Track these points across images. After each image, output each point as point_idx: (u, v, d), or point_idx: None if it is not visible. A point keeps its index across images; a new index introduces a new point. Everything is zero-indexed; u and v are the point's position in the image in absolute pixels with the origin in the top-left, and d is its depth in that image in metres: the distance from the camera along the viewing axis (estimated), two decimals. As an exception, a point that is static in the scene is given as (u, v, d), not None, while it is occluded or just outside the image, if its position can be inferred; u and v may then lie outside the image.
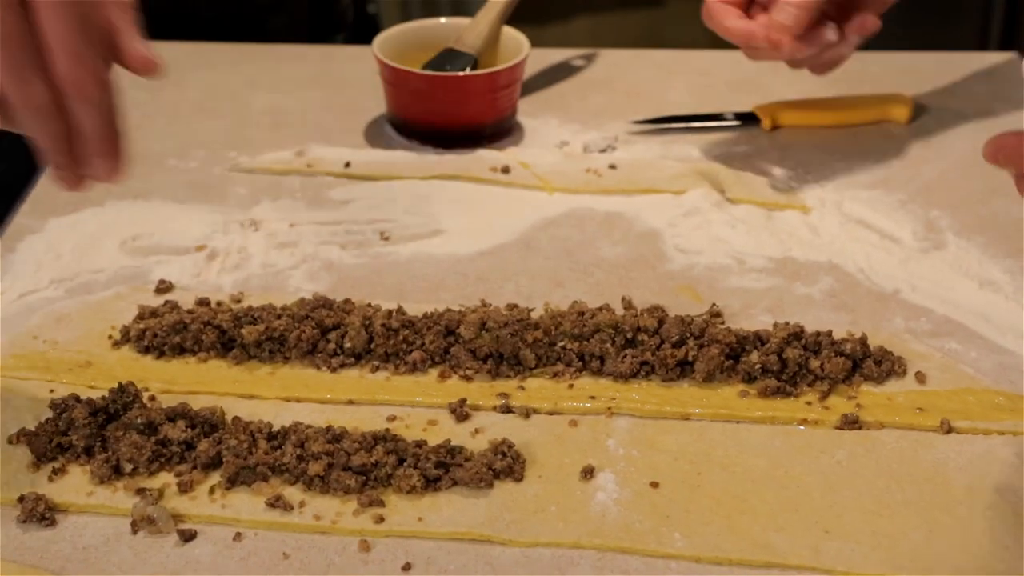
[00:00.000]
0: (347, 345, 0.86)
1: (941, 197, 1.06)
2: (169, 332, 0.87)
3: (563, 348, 0.85)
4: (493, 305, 0.91)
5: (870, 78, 1.30)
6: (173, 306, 0.90)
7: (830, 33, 1.02)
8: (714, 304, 0.91)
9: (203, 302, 0.92)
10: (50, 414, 0.80)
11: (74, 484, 0.76)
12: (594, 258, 0.99)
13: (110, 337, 0.89)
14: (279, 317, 0.87)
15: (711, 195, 1.06)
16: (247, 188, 1.09)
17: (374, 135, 1.18)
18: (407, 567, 0.71)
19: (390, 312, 0.89)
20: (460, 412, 0.82)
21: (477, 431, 0.80)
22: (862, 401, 0.82)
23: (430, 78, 1.13)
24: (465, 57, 1.15)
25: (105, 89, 0.71)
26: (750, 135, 1.18)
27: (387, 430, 0.79)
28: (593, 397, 0.83)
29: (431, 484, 0.75)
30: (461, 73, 1.14)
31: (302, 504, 0.74)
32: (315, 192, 1.08)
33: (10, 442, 0.79)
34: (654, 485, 0.76)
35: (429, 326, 0.87)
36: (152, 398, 0.83)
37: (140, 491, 0.75)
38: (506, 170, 1.11)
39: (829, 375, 0.83)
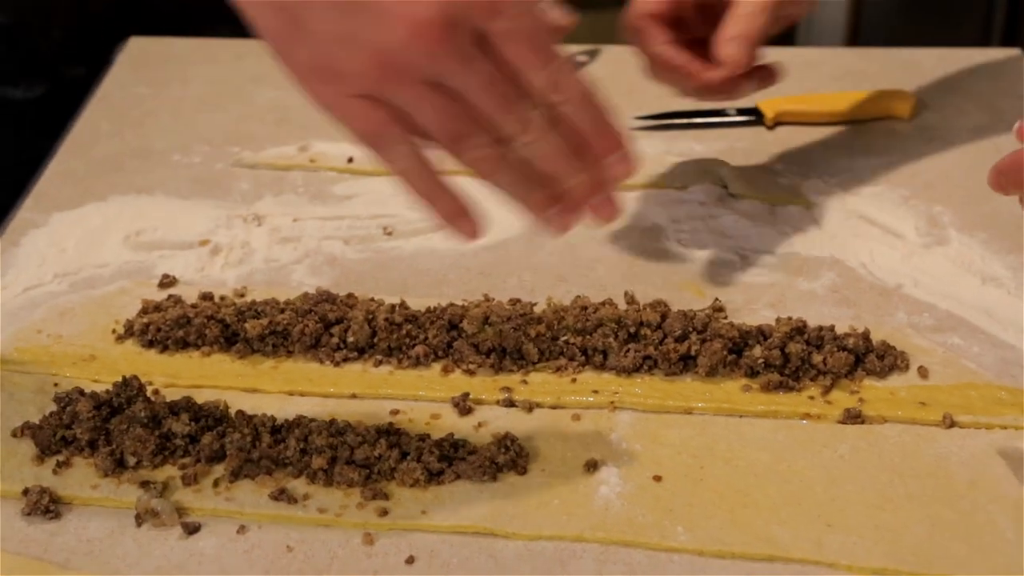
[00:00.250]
0: (350, 339, 0.86)
1: (944, 193, 1.06)
2: (173, 326, 0.87)
3: (566, 342, 0.85)
4: (496, 300, 0.91)
5: (872, 74, 1.30)
6: (177, 300, 0.91)
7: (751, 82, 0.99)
8: (716, 299, 0.92)
9: (207, 296, 0.92)
10: (54, 407, 0.80)
11: (78, 477, 0.76)
12: (597, 253, 0.99)
13: (114, 331, 0.89)
14: (282, 311, 0.88)
15: (714, 190, 1.06)
16: (250, 183, 1.09)
17: (377, 131, 1.18)
18: (410, 560, 0.71)
19: (393, 306, 0.89)
20: (463, 406, 0.82)
21: (480, 425, 0.81)
22: (864, 396, 0.82)
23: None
24: (468, 53, 1.15)
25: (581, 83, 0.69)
26: (753, 131, 1.18)
27: (390, 424, 0.79)
28: (596, 391, 0.83)
29: (434, 478, 0.76)
30: (464, 68, 1.14)
31: (306, 497, 0.75)
32: (318, 187, 1.08)
33: (14, 435, 0.79)
34: (657, 479, 0.76)
35: (432, 320, 0.87)
36: (156, 392, 0.83)
37: (144, 484, 0.75)
38: (509, 165, 1.11)
39: (831, 370, 0.83)
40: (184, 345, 0.87)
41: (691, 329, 0.85)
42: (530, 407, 0.82)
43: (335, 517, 0.73)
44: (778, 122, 1.19)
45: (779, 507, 0.74)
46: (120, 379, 0.81)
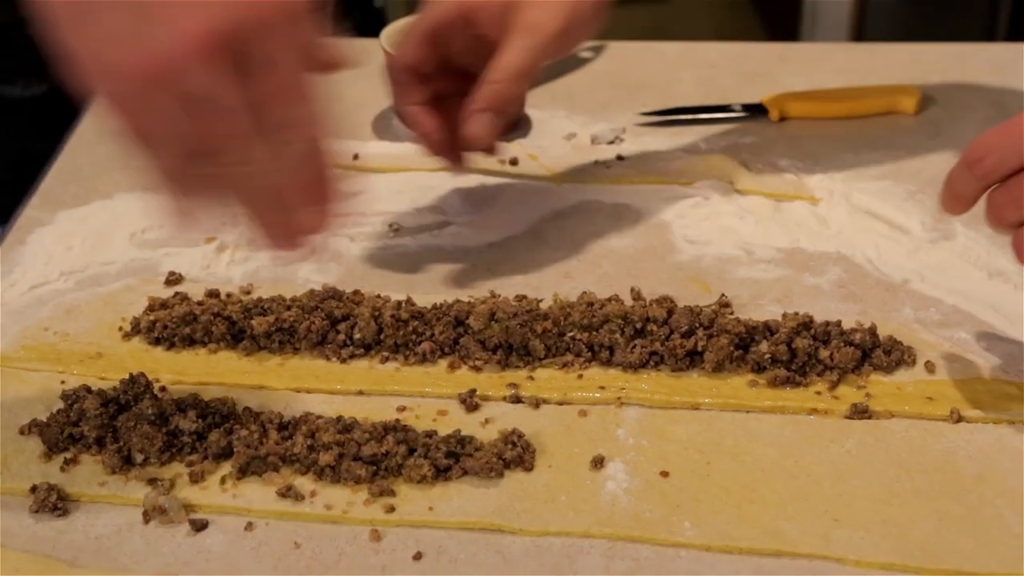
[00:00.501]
0: (357, 336, 0.86)
1: (949, 188, 1.06)
2: (179, 323, 0.87)
3: (572, 338, 0.85)
4: (502, 296, 0.91)
5: (877, 69, 1.30)
6: (183, 298, 0.91)
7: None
8: (723, 295, 0.92)
9: (213, 294, 0.92)
10: (61, 405, 0.80)
11: (86, 474, 0.76)
12: (603, 249, 0.99)
13: (120, 329, 0.89)
14: (289, 308, 0.88)
15: (719, 186, 1.06)
16: (256, 180, 1.09)
17: (382, 128, 1.19)
18: (418, 556, 0.71)
19: (399, 303, 0.89)
20: (470, 402, 0.82)
21: (487, 421, 0.81)
22: (871, 391, 0.82)
23: (438, 70, 1.13)
24: (473, 49, 1.15)
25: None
26: (758, 126, 1.18)
27: (397, 420, 0.79)
28: (603, 387, 0.83)
29: (441, 474, 0.76)
30: (469, 65, 1.14)
31: (313, 494, 0.75)
32: (323, 184, 1.08)
33: (22, 433, 0.79)
34: (664, 474, 0.76)
35: (438, 317, 0.87)
36: (163, 389, 0.83)
37: (151, 481, 0.75)
38: (514, 162, 1.11)
39: (838, 365, 0.83)
40: (191, 342, 0.87)
41: (697, 325, 0.85)
42: (537, 403, 0.82)
43: (342, 514, 0.73)
44: (783, 117, 1.19)
45: (786, 502, 0.74)
46: (127, 376, 0.81)
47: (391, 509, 0.74)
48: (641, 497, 0.74)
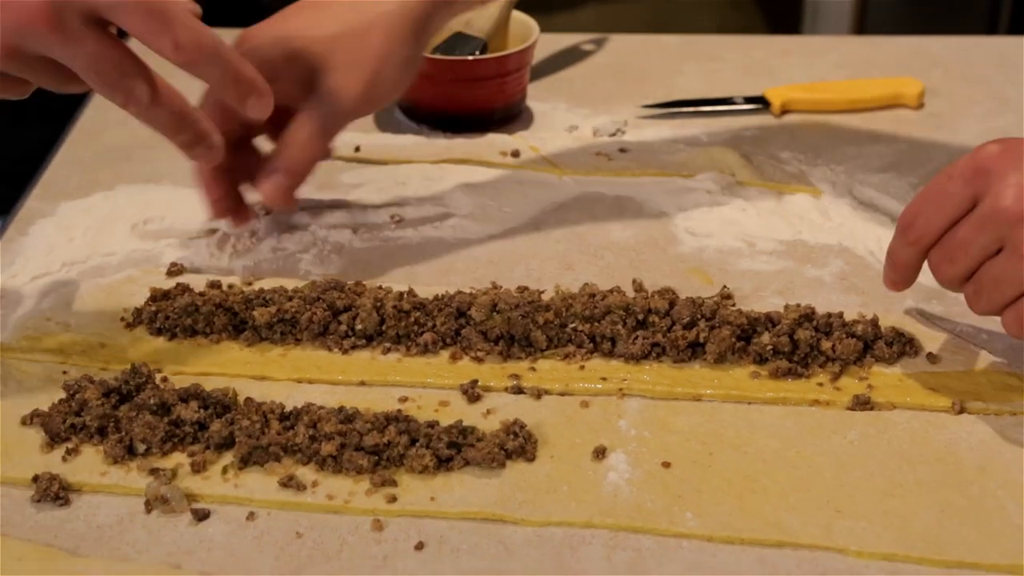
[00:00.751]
0: (358, 327, 0.86)
1: (952, 180, 1.06)
2: (181, 314, 0.87)
3: (574, 330, 0.85)
4: (504, 287, 0.91)
5: (880, 62, 1.30)
6: (185, 288, 0.91)
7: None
8: (725, 286, 0.91)
9: (215, 285, 0.92)
10: (63, 395, 0.80)
11: (88, 464, 0.76)
12: (604, 241, 0.99)
13: (122, 319, 0.89)
14: (290, 299, 0.88)
15: (721, 178, 1.06)
16: (258, 172, 1.09)
17: (384, 119, 1.19)
18: (419, 546, 0.71)
19: (401, 294, 0.89)
20: (472, 393, 0.82)
21: (489, 412, 0.81)
22: (873, 382, 0.82)
23: (439, 62, 1.13)
24: (475, 41, 1.15)
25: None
26: (760, 119, 1.18)
27: (399, 411, 0.79)
28: (604, 378, 0.83)
29: (443, 464, 0.76)
30: (470, 57, 1.14)
31: (315, 484, 0.75)
32: (325, 176, 1.08)
33: (24, 423, 0.79)
34: (666, 465, 0.76)
35: (440, 308, 0.87)
36: (164, 380, 0.83)
37: (153, 471, 0.75)
38: (516, 154, 1.11)
39: (840, 356, 0.83)
40: (192, 333, 0.87)
41: (699, 316, 0.85)
42: (538, 394, 0.82)
43: (344, 504, 0.73)
44: (785, 110, 1.19)
45: (788, 493, 0.74)
46: (129, 367, 0.81)
47: (393, 499, 0.74)
48: (643, 488, 0.74)
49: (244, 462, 0.76)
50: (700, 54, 1.33)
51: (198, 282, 0.92)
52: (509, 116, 1.17)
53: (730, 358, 0.84)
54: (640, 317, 0.85)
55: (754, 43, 1.40)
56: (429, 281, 0.94)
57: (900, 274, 0.84)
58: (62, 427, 0.78)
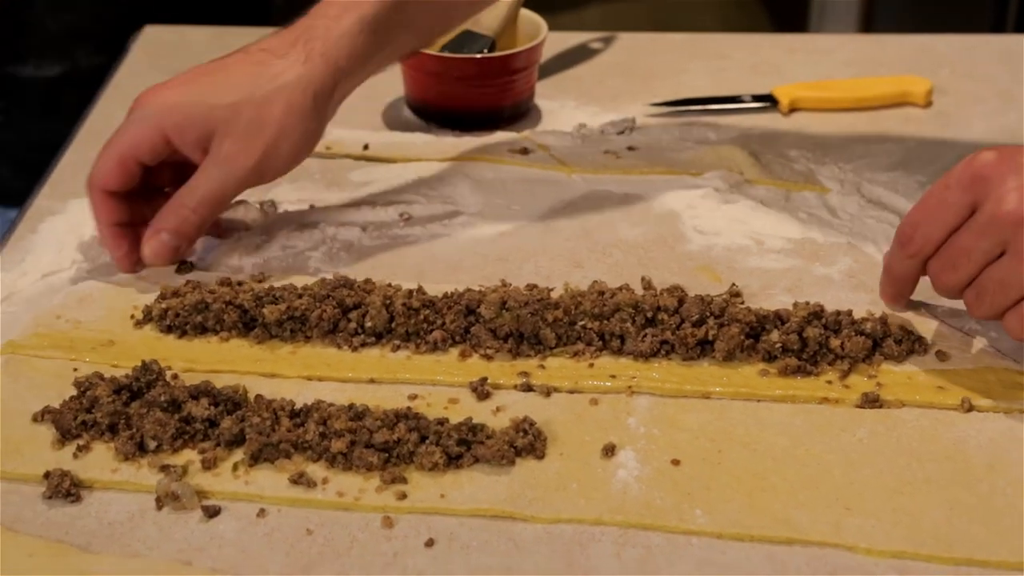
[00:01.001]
0: (368, 324, 0.86)
1: (960, 178, 1.06)
2: (191, 311, 0.87)
3: (583, 327, 0.85)
4: (513, 285, 0.91)
5: (887, 60, 1.30)
6: (195, 286, 0.91)
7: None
8: (733, 284, 0.92)
9: (225, 282, 0.92)
10: (74, 392, 0.80)
11: (98, 461, 0.76)
12: (613, 239, 0.99)
13: (132, 317, 0.89)
14: (300, 297, 0.88)
15: (730, 176, 1.06)
16: (266, 170, 1.09)
17: (392, 118, 1.19)
18: (430, 543, 0.71)
19: (411, 292, 0.89)
20: (481, 391, 0.82)
21: (498, 409, 0.81)
22: (882, 380, 0.82)
23: (448, 60, 1.13)
24: (483, 39, 1.15)
25: None
26: (768, 117, 1.19)
27: (409, 408, 0.79)
28: (613, 376, 0.83)
29: (453, 461, 0.76)
30: (478, 55, 1.14)
31: (325, 481, 0.75)
32: (334, 174, 1.09)
33: (35, 420, 0.79)
34: (675, 463, 0.76)
35: (449, 306, 0.87)
36: (175, 377, 0.83)
37: (164, 468, 0.75)
38: (524, 152, 1.11)
39: (849, 354, 0.83)
40: (202, 330, 0.88)
41: (708, 314, 0.85)
42: (548, 392, 0.82)
43: (354, 500, 0.74)
44: (793, 108, 1.19)
45: (797, 490, 0.74)
46: (140, 364, 0.81)
47: (403, 496, 0.74)
48: (652, 485, 0.74)
49: (254, 459, 0.76)
50: (708, 52, 1.33)
51: (208, 280, 0.93)
52: (517, 114, 1.17)
53: (739, 356, 0.84)
54: (649, 315, 0.85)
55: (761, 41, 1.40)
56: (438, 279, 0.94)
57: (899, 287, 0.86)
58: (73, 424, 0.78)
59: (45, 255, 0.96)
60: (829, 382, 0.82)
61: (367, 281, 0.91)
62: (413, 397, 0.82)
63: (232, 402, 0.80)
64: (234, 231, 0.99)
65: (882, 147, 1.12)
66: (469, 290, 0.89)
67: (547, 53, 1.23)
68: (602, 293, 0.88)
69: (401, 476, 0.75)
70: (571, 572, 0.69)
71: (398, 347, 0.86)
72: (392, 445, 0.76)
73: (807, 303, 0.87)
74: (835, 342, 0.84)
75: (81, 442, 0.77)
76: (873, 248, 0.97)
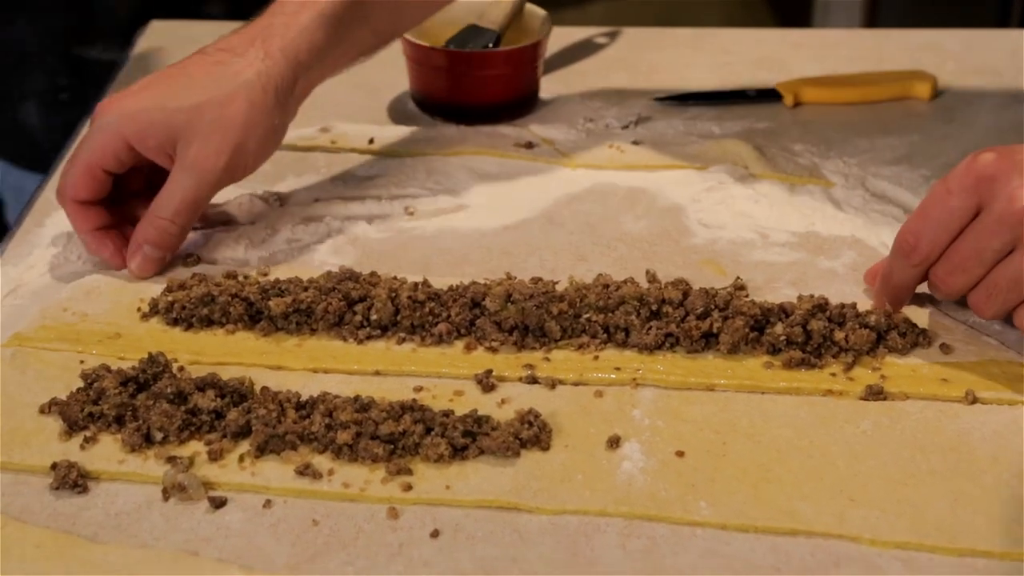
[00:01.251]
0: (373, 317, 0.87)
1: (964, 172, 1.06)
2: (197, 304, 0.87)
3: (588, 320, 0.86)
4: (518, 278, 0.92)
5: (891, 55, 1.30)
6: (201, 279, 0.91)
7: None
8: (738, 277, 0.92)
9: (231, 275, 0.93)
10: (81, 384, 0.81)
11: (105, 452, 0.77)
12: (617, 232, 1.00)
13: (139, 309, 0.90)
14: (306, 289, 0.88)
15: (734, 170, 1.06)
16: (272, 164, 1.08)
17: (397, 112, 1.19)
18: (435, 534, 0.71)
19: (416, 284, 0.89)
20: (486, 383, 0.82)
21: (503, 401, 0.81)
22: (886, 372, 0.83)
23: (453, 54, 1.14)
24: (488, 33, 1.15)
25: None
26: (772, 112, 1.19)
27: (414, 400, 0.80)
28: (618, 368, 0.83)
29: (458, 453, 0.76)
30: (484, 50, 1.14)
31: (331, 472, 0.75)
32: (340, 168, 1.09)
33: (42, 412, 0.80)
34: (680, 454, 0.76)
35: (455, 298, 0.87)
36: (181, 369, 0.83)
37: (171, 459, 0.76)
38: (529, 146, 1.11)
39: (853, 347, 0.84)
40: (208, 323, 0.88)
41: (713, 307, 0.85)
42: (553, 384, 0.82)
43: (360, 492, 0.74)
44: (797, 103, 1.19)
45: (802, 482, 0.74)
46: (146, 356, 0.82)
47: (408, 487, 0.74)
48: (657, 476, 0.75)
49: (260, 450, 0.76)
50: (712, 47, 1.33)
51: (214, 273, 0.93)
52: (522, 108, 1.18)
53: (743, 348, 0.84)
54: (654, 308, 0.86)
55: (766, 36, 1.40)
56: (443, 272, 0.94)
57: (899, 296, 0.86)
58: (80, 415, 0.78)
59: (52, 248, 0.97)
60: (833, 374, 0.83)
61: (372, 274, 0.91)
62: (418, 389, 0.82)
63: (238, 394, 0.80)
64: (232, 222, 0.99)
65: (886, 141, 1.13)
66: (474, 283, 0.89)
67: (552, 48, 1.23)
68: (607, 286, 0.88)
69: (407, 467, 0.75)
70: (576, 563, 0.70)
71: (403, 339, 0.86)
72: (398, 437, 0.76)
73: (811, 296, 0.87)
74: (839, 335, 0.84)
75: (88, 433, 0.78)
76: (877, 241, 0.97)
